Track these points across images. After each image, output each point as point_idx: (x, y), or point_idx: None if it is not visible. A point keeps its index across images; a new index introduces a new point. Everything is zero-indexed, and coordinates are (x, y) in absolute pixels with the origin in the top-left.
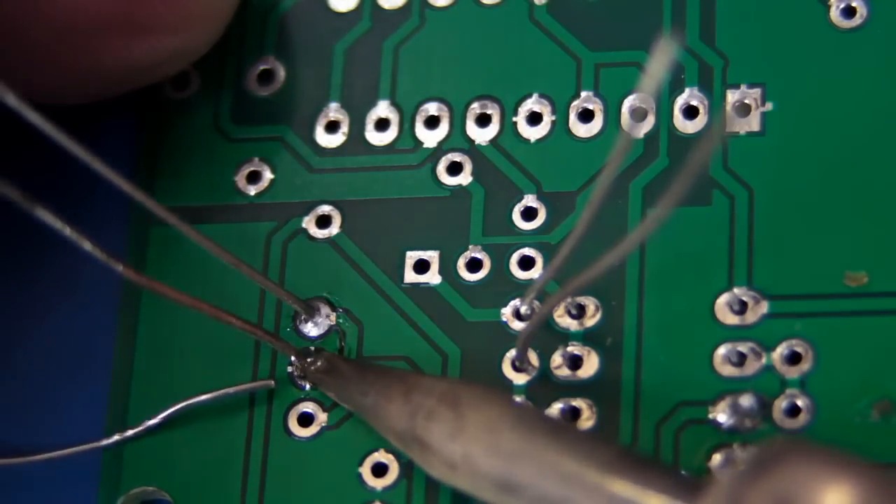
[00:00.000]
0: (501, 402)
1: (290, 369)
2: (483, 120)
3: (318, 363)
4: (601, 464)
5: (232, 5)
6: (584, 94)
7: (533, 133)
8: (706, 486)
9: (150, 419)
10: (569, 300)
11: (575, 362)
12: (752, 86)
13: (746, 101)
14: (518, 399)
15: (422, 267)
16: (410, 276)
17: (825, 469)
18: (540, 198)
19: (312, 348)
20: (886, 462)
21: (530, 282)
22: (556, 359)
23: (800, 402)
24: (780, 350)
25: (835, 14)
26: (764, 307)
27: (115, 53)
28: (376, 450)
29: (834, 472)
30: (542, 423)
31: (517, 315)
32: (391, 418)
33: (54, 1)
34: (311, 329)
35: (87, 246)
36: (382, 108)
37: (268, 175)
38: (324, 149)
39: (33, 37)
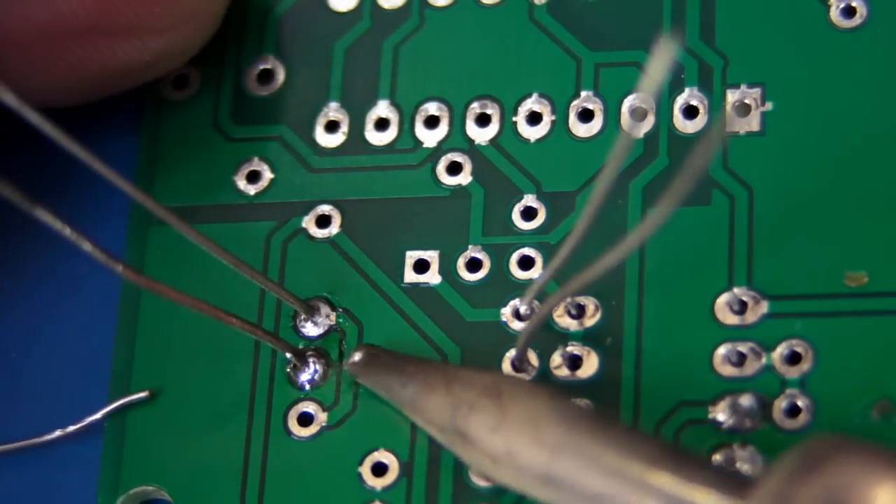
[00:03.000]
0: (544, 395)
1: (288, 369)
2: (483, 120)
3: (357, 356)
4: (645, 459)
5: (220, 3)
6: (583, 93)
7: (533, 133)
8: (753, 485)
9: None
10: (569, 300)
11: (575, 362)
12: (752, 86)
13: (746, 101)
14: (560, 393)
15: (422, 267)
16: (410, 276)
17: (875, 467)
18: (540, 198)
19: (311, 347)
20: None
21: (530, 282)
22: (556, 359)
23: (800, 402)
24: (780, 350)
25: (835, 14)
26: (764, 307)
27: (99, 55)
28: (376, 450)
29: (884, 470)
30: (585, 416)
31: (517, 315)
32: (432, 410)
33: (41, 4)
34: (311, 329)
35: (87, 246)
36: (382, 108)
37: (267, 175)
38: (323, 148)
39: (20, 40)
